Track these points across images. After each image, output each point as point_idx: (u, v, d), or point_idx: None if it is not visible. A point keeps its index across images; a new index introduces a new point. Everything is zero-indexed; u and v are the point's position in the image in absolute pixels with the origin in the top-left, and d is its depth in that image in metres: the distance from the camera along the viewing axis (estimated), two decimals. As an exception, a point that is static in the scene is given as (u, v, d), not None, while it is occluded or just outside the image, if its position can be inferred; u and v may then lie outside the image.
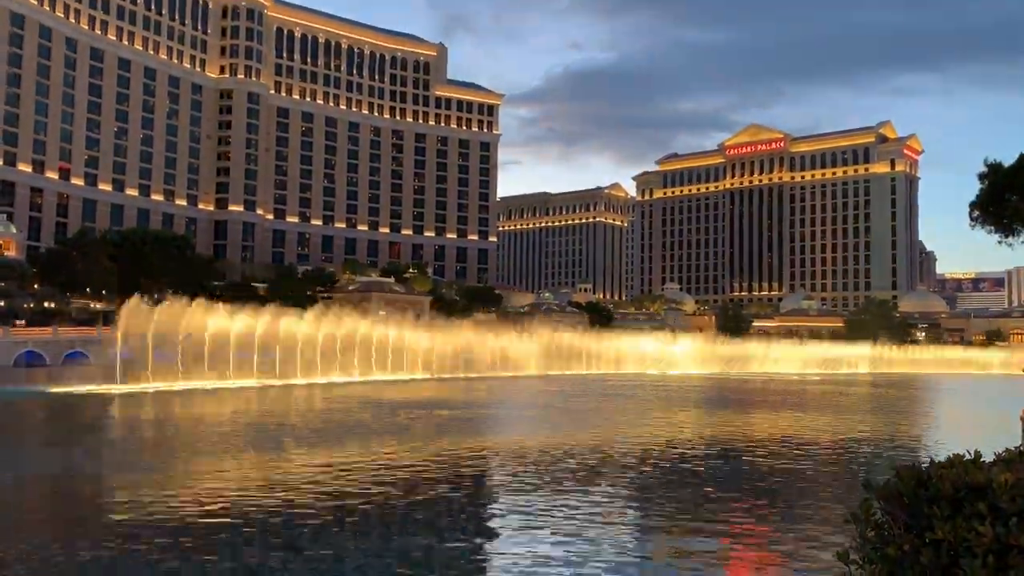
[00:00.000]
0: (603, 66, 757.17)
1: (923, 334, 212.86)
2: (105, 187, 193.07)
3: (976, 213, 40.26)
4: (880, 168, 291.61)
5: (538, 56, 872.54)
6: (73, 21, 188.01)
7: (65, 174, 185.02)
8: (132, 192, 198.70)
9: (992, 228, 39.74)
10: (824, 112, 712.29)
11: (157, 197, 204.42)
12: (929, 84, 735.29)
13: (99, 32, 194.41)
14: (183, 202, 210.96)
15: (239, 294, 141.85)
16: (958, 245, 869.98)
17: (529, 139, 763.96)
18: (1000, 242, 40.95)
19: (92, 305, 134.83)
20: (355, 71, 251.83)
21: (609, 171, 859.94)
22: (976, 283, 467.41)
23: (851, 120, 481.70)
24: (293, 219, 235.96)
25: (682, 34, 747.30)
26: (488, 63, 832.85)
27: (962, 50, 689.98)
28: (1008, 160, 39.69)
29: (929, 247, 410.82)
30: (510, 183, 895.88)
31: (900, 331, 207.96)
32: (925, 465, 5.61)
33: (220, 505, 25.99)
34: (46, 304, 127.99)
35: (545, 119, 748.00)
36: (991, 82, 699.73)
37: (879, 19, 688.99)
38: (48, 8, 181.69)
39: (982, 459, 5.90)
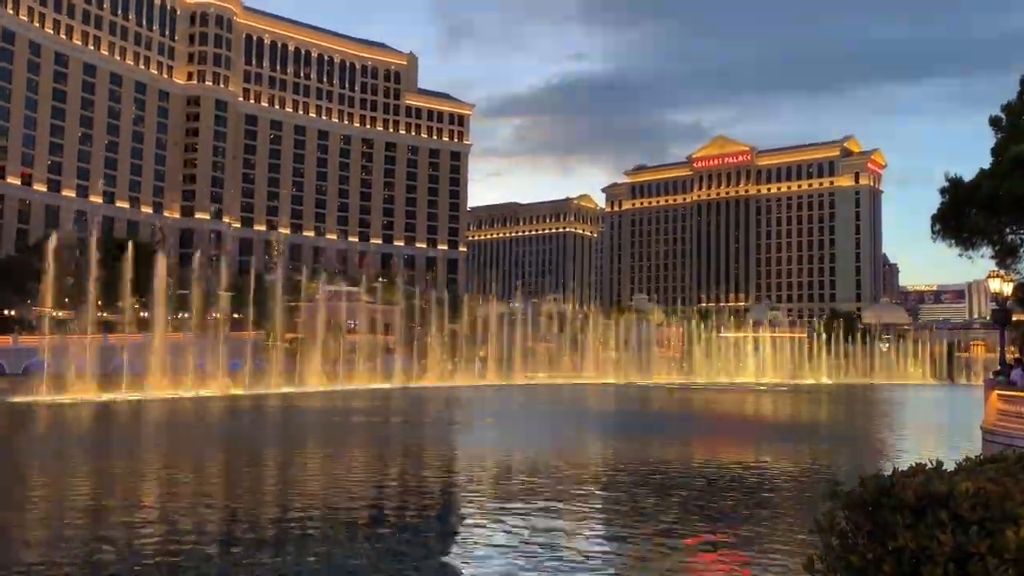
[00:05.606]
0: (601, 77, 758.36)
1: (886, 345, 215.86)
2: (69, 193, 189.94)
3: (937, 227, 41.09)
4: (844, 181, 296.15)
5: (538, 66, 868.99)
6: (37, 25, 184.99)
7: (27, 180, 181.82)
8: (96, 199, 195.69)
9: (952, 241, 40.60)
10: (818, 124, 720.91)
11: (122, 204, 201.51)
12: (914, 99, 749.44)
13: (64, 36, 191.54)
14: (149, 209, 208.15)
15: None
16: (924, 258, 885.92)
17: (526, 148, 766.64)
18: (960, 255, 41.81)
19: (55, 313, 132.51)
20: (325, 79, 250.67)
21: (603, 181, 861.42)
22: (937, 295, 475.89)
23: (835, 133, 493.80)
24: (260, 227, 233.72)
25: (682, 47, 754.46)
26: (490, 72, 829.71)
27: (943, 66, 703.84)
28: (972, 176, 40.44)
29: (895, 260, 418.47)
30: (505, 192, 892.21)
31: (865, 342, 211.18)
32: (888, 474, 5.70)
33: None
34: (6, 312, 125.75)
35: (542, 128, 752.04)
36: (968, 98, 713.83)
37: (864, 34, 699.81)
38: (12, 12, 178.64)
39: (943, 468, 6.03)
